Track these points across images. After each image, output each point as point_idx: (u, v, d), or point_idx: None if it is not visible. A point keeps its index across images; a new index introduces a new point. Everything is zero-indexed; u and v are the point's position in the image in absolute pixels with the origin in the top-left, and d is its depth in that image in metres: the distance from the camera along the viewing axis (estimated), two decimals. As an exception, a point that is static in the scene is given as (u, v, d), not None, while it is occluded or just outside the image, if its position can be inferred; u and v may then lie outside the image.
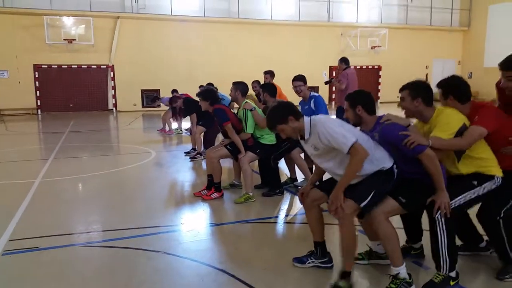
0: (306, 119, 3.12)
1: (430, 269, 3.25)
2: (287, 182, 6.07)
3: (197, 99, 5.93)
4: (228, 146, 5.50)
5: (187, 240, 4.13)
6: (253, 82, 8.37)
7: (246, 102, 5.59)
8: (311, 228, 3.42)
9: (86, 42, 19.32)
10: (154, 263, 3.58)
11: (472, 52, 25.43)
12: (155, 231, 4.36)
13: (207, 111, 5.87)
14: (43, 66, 19.37)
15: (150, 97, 16.50)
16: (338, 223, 3.00)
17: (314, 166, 3.74)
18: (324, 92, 20.52)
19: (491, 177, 3.02)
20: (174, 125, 12.65)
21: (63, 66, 19.63)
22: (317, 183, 3.50)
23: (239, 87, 5.66)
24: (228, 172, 6.80)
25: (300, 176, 6.09)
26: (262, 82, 8.21)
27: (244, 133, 5.47)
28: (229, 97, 6.29)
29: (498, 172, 3.04)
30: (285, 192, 5.71)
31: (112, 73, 20.38)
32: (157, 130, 12.79)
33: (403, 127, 3.03)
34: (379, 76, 25.00)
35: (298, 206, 5.10)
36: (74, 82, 19.92)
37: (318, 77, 17.95)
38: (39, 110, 19.56)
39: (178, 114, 11.63)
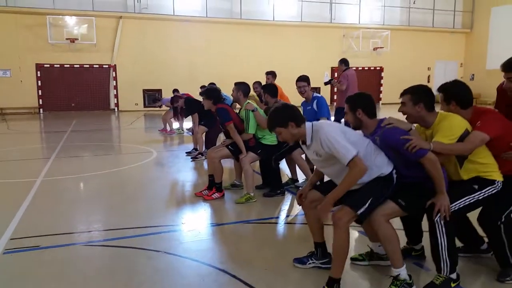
0: (308, 125, 3.08)
1: (431, 270, 3.24)
2: (288, 183, 6.08)
3: (199, 98, 5.93)
4: (229, 146, 5.50)
5: (188, 240, 4.14)
6: (254, 83, 8.37)
7: (248, 102, 5.60)
8: (310, 229, 3.42)
9: (88, 41, 19.37)
10: (154, 262, 3.58)
11: (475, 54, 25.41)
12: (156, 230, 4.37)
13: (209, 111, 5.88)
14: (45, 65, 19.41)
15: (151, 98, 16.54)
16: (332, 228, 2.97)
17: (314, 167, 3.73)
18: (325, 93, 20.52)
19: (491, 182, 3.02)
20: (176, 125, 12.67)
21: (65, 66, 19.67)
22: (318, 182, 3.50)
23: (241, 88, 5.66)
24: (229, 172, 6.80)
25: (301, 177, 6.09)
26: (264, 82, 8.21)
27: (245, 133, 5.48)
28: (231, 98, 6.29)
29: (498, 177, 3.04)
30: (286, 192, 5.71)
31: (114, 72, 20.41)
32: (159, 130, 12.80)
33: (404, 131, 3.00)
34: (381, 78, 24.99)
35: (298, 206, 5.08)
36: (76, 81, 19.96)
37: (320, 78, 17.98)
38: (41, 109, 19.60)
39: (179, 114, 11.64)
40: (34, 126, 15.55)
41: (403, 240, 3.40)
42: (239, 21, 21.55)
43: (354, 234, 4.07)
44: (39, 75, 19.40)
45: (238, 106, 5.99)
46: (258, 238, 4.26)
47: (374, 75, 24.86)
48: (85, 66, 19.97)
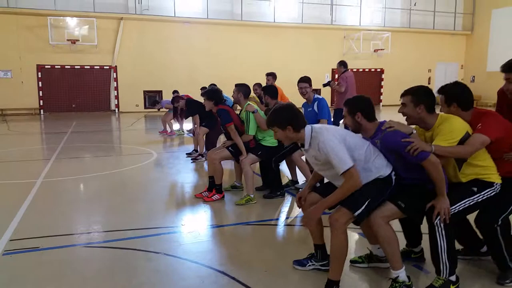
0: (307, 129, 3.05)
1: (430, 273, 3.24)
2: (288, 185, 6.08)
3: (199, 100, 5.94)
4: (229, 148, 5.50)
5: (187, 242, 4.14)
6: (254, 85, 8.37)
7: (249, 104, 5.60)
8: (310, 231, 3.41)
9: (89, 43, 19.38)
10: (154, 264, 3.58)
11: (475, 56, 25.41)
12: (156, 232, 4.37)
13: (210, 112, 5.88)
14: (46, 67, 19.42)
15: (151, 100, 16.54)
16: (330, 230, 2.96)
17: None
18: (326, 94, 20.51)
19: (490, 184, 3.02)
20: (176, 126, 12.68)
21: (66, 67, 19.68)
22: (318, 184, 3.50)
23: (242, 89, 5.67)
24: (229, 174, 6.80)
25: (301, 179, 6.09)
26: (264, 84, 8.21)
27: (246, 135, 5.48)
28: (232, 99, 6.29)
29: (497, 179, 3.04)
30: (286, 194, 5.71)
31: (115, 74, 20.42)
32: (159, 132, 12.80)
33: (405, 135, 2.98)
34: (382, 79, 24.98)
35: (298, 208, 5.09)
36: (77, 82, 19.97)
37: (320, 80, 17.92)
38: (41, 110, 19.61)
39: (179, 115, 11.64)
40: (35, 127, 15.56)
41: (402, 242, 3.40)
42: (240, 22, 21.57)
43: (354, 236, 4.07)
44: (40, 76, 19.41)
45: (239, 107, 5.99)
46: (258, 240, 4.26)
47: (374, 77, 24.86)
48: (86, 67, 19.98)
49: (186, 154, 8.86)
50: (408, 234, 3.54)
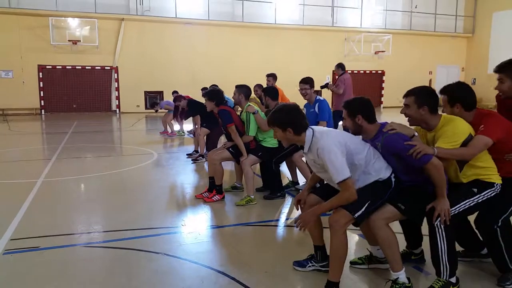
0: (309, 133, 3.00)
1: (430, 274, 3.24)
2: (288, 185, 6.08)
3: (201, 101, 5.94)
4: (230, 149, 5.50)
5: (187, 242, 4.14)
6: (255, 86, 8.38)
7: (249, 105, 5.61)
8: (310, 233, 3.41)
9: (90, 43, 19.42)
10: (154, 264, 3.58)
11: (476, 59, 25.42)
12: (156, 232, 4.37)
13: (211, 113, 5.89)
14: (47, 67, 19.45)
15: (151, 102, 16.58)
16: (330, 231, 2.96)
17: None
18: (327, 96, 20.50)
19: (491, 185, 3.01)
20: (176, 127, 12.69)
21: (67, 67, 19.72)
22: (317, 185, 3.50)
23: (243, 91, 5.67)
24: (230, 175, 6.80)
25: (301, 180, 6.09)
26: (265, 85, 8.22)
27: (246, 135, 5.49)
28: (232, 100, 6.29)
29: (497, 180, 3.03)
30: (286, 195, 5.71)
31: (116, 74, 20.45)
32: (160, 133, 12.82)
33: (407, 137, 2.95)
34: (383, 81, 24.99)
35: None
36: (78, 83, 20.00)
37: (321, 81, 17.91)
38: (42, 110, 19.64)
39: (180, 115, 11.63)
40: (36, 127, 15.58)
41: (402, 244, 3.40)
42: (241, 24, 21.59)
43: (353, 237, 4.08)
44: (41, 76, 19.44)
45: (239, 108, 6.00)
46: (258, 241, 4.26)
47: (375, 79, 24.87)
48: (87, 67, 20.01)
49: (187, 155, 8.86)
50: (408, 235, 3.53)
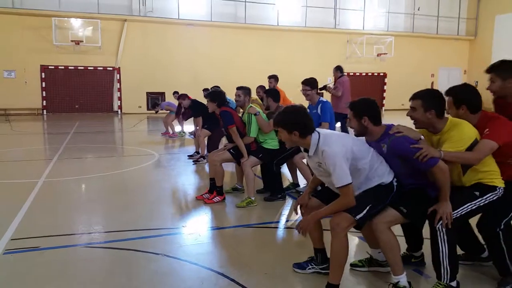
0: (314, 136, 2.98)
1: (430, 277, 3.23)
2: (289, 187, 6.07)
3: (203, 102, 5.94)
4: (231, 150, 5.51)
5: (188, 243, 4.13)
6: (258, 87, 8.39)
7: (251, 106, 5.61)
8: (310, 236, 3.39)
9: (93, 44, 19.47)
10: (154, 265, 3.58)
11: (478, 61, 25.38)
12: (156, 233, 4.36)
13: (213, 115, 5.89)
14: (50, 67, 19.51)
15: (152, 103, 16.61)
16: (331, 234, 2.96)
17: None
18: (326, 98, 20.50)
19: (493, 188, 2.99)
20: (178, 128, 12.70)
21: (69, 67, 19.77)
22: (319, 187, 3.49)
23: (248, 92, 5.71)
24: (230, 176, 6.80)
25: (302, 182, 6.09)
26: (267, 87, 8.22)
27: (247, 137, 5.49)
28: (234, 101, 6.29)
29: (500, 183, 3.01)
30: (287, 197, 5.71)
31: (118, 75, 20.49)
32: (161, 134, 12.83)
33: (414, 141, 2.93)
34: (384, 83, 25.00)
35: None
36: (80, 83, 20.05)
37: (323, 83, 17.95)
38: (44, 111, 19.69)
39: (182, 114, 11.62)
40: (37, 127, 15.61)
41: (403, 246, 3.39)
42: (244, 25, 21.62)
43: (354, 240, 4.07)
44: (43, 76, 19.50)
45: (241, 110, 6.00)
46: (258, 242, 4.26)
47: (377, 81, 24.87)
48: (89, 68, 20.06)
49: (188, 156, 8.87)
50: (409, 238, 3.53)
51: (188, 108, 9.55)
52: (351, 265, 3.47)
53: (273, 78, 8.67)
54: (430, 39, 25.24)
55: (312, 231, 3.33)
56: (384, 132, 3.05)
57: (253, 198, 5.34)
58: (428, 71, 25.43)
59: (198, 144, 8.69)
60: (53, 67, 19.54)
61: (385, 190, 3.00)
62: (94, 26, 19.39)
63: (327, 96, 8.03)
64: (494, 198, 2.99)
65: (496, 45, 24.11)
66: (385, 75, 24.93)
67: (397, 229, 3.31)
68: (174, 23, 20.64)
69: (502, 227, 3.02)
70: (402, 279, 2.97)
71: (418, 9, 24.68)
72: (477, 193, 2.98)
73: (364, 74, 24.24)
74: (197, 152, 8.70)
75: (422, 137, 3.05)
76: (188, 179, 7.12)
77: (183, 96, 9.99)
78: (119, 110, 20.74)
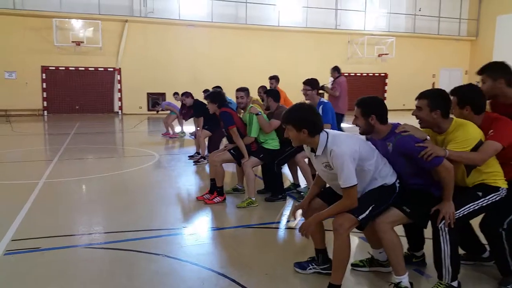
0: (323, 137, 2.95)
1: (431, 277, 3.22)
2: (290, 188, 6.06)
3: (204, 102, 5.94)
4: (231, 151, 5.50)
5: (188, 244, 4.13)
6: (259, 88, 8.39)
7: (252, 106, 5.60)
8: (312, 236, 3.38)
9: (94, 45, 19.48)
10: (155, 266, 3.57)
11: (480, 62, 24.72)
12: (157, 234, 4.36)
13: (214, 116, 5.89)
14: (50, 68, 19.53)
15: (153, 102, 16.62)
16: (333, 234, 2.95)
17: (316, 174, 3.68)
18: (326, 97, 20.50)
19: (496, 189, 2.99)
20: (178, 128, 12.70)
21: (70, 68, 19.79)
22: (322, 188, 3.48)
23: (249, 93, 5.70)
24: (231, 177, 6.80)
25: (303, 182, 6.08)
26: (268, 87, 8.23)
27: (247, 137, 5.48)
28: (235, 102, 6.29)
29: (503, 184, 3.01)
30: (287, 197, 5.70)
31: (118, 76, 20.51)
32: (162, 134, 12.83)
33: (419, 140, 2.92)
34: (385, 84, 24.99)
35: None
36: (81, 84, 20.08)
37: (323, 83, 17.97)
38: (45, 111, 19.70)
39: (183, 114, 11.60)
40: (38, 128, 15.62)
41: (404, 246, 3.38)
42: (244, 26, 21.63)
43: (355, 240, 4.06)
44: (44, 77, 19.52)
45: (242, 111, 6.00)
46: (259, 243, 4.25)
47: (378, 82, 24.87)
48: (90, 69, 20.08)
49: (188, 156, 8.86)
50: (411, 238, 3.52)
51: (190, 108, 9.54)
52: (352, 265, 3.46)
53: (274, 78, 8.69)
54: (431, 39, 25.23)
55: (314, 233, 3.31)
56: (390, 131, 3.05)
57: (253, 199, 5.33)
58: (429, 71, 25.41)
59: (198, 145, 8.68)
60: (53, 68, 19.56)
61: (387, 191, 3.00)
62: (95, 27, 19.41)
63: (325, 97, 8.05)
64: (497, 199, 2.99)
65: (497, 45, 24.09)
66: (386, 76, 24.93)
67: (399, 229, 3.30)
68: (175, 24, 20.65)
69: (504, 226, 3.01)
70: (404, 279, 2.96)
71: (420, 10, 24.69)
72: (480, 194, 2.98)
73: (365, 74, 24.24)
74: (198, 153, 8.70)
75: (428, 137, 3.04)
76: (188, 180, 7.12)
77: (187, 94, 9.98)
78: (120, 111, 20.75)
